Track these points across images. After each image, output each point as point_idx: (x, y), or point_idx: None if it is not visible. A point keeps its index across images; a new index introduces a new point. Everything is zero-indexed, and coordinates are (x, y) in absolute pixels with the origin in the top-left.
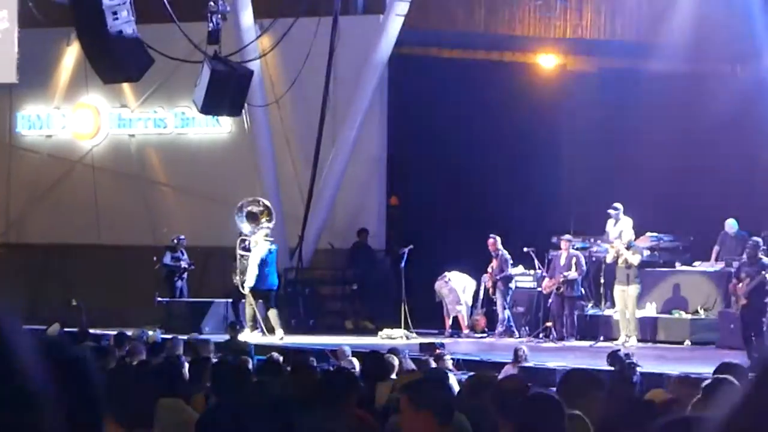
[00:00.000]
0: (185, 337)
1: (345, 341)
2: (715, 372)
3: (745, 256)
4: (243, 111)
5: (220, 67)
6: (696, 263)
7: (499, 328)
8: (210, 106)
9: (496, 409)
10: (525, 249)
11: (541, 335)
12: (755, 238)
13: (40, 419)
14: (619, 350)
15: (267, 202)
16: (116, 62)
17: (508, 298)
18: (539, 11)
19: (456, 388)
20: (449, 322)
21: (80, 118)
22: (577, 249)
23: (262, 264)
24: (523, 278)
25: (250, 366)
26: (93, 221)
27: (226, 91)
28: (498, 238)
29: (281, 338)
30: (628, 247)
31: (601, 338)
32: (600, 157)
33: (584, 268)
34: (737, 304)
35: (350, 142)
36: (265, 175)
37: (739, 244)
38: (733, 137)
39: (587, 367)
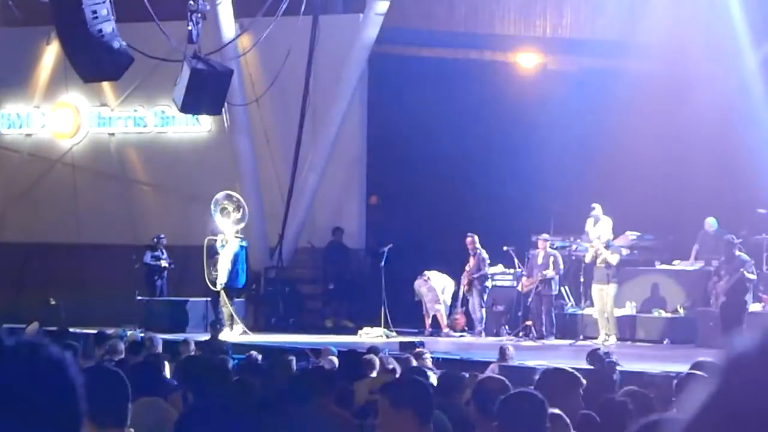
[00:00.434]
0: (168, 336)
1: (325, 340)
2: (690, 370)
3: (723, 254)
4: (223, 110)
5: (199, 66)
6: (675, 262)
7: (479, 327)
8: (190, 105)
9: (476, 409)
10: (505, 248)
11: (521, 334)
12: (728, 236)
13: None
14: (599, 349)
15: (241, 201)
16: (96, 61)
17: (485, 297)
18: (519, 10)
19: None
20: (429, 321)
21: (60, 117)
22: (556, 248)
23: (235, 261)
24: (502, 277)
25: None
26: (73, 220)
27: (206, 90)
28: (476, 237)
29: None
30: (606, 247)
31: (581, 337)
32: (580, 156)
33: (561, 267)
34: (717, 302)
35: (330, 141)
36: (245, 174)
37: (718, 242)
38: (713, 137)
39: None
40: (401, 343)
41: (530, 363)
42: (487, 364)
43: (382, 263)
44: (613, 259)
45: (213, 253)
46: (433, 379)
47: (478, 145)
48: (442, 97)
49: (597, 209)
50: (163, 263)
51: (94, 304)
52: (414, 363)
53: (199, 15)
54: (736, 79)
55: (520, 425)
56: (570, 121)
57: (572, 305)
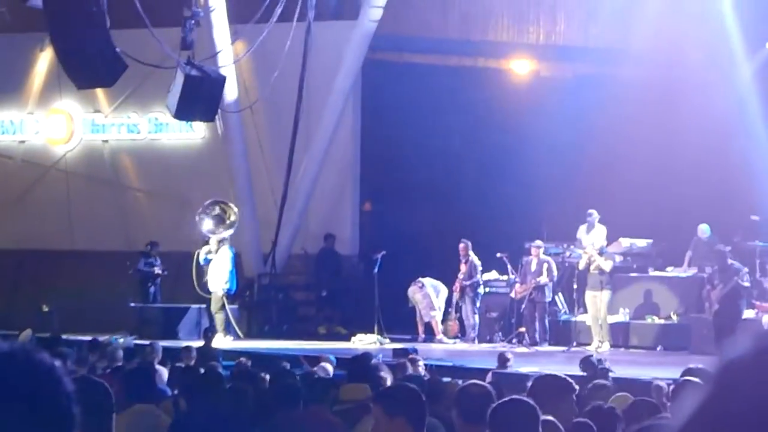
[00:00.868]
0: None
1: (318, 347)
2: (681, 377)
3: (716, 264)
4: (216, 116)
5: (193, 73)
6: (669, 269)
7: (471, 334)
8: (183, 112)
9: (459, 415)
10: (498, 254)
11: (514, 340)
12: (719, 247)
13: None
14: (592, 355)
15: (234, 208)
16: (89, 68)
17: (478, 303)
18: (513, 17)
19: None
20: (422, 327)
21: (53, 124)
22: (549, 255)
23: (233, 267)
24: (496, 284)
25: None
26: (66, 226)
27: (200, 97)
28: (469, 243)
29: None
30: (600, 254)
31: (574, 344)
32: (573, 163)
33: (555, 273)
34: (710, 309)
35: (324, 147)
36: (239, 181)
37: (711, 249)
38: (706, 143)
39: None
40: (394, 350)
41: (523, 369)
42: (480, 371)
43: (376, 270)
44: (607, 265)
45: (204, 262)
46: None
47: (471, 152)
48: (436, 104)
49: (594, 215)
50: (157, 270)
51: (88, 310)
52: (410, 369)
53: (193, 21)
54: (730, 86)
55: None
56: (563, 128)
57: (565, 312)
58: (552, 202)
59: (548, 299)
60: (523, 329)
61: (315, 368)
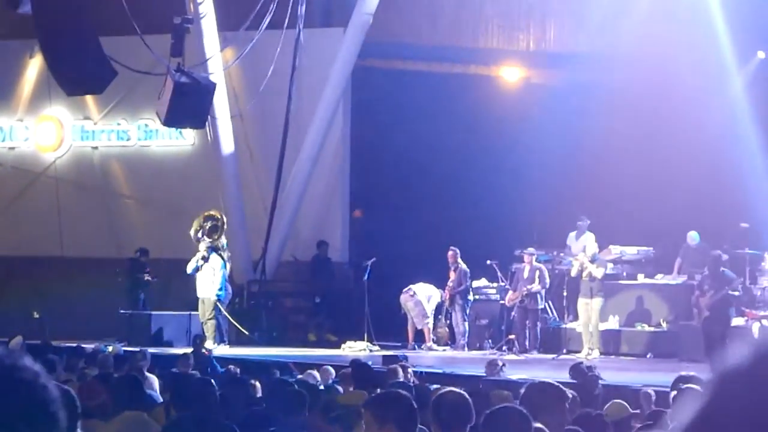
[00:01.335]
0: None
1: (308, 354)
2: (672, 384)
3: (707, 269)
4: (206, 123)
5: (183, 80)
6: (658, 276)
7: (461, 341)
8: (173, 119)
9: (436, 423)
10: (488, 261)
11: (504, 348)
12: (715, 252)
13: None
14: (582, 363)
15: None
16: (79, 74)
17: (468, 311)
18: (503, 24)
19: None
20: (411, 335)
21: (43, 130)
22: (540, 262)
23: (224, 273)
24: (486, 291)
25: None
26: (56, 233)
27: (190, 104)
28: (458, 251)
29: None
30: (592, 261)
31: (564, 351)
32: (563, 170)
33: (547, 281)
34: (700, 316)
35: (313, 154)
36: (229, 188)
37: (701, 256)
38: (696, 150)
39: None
40: (384, 357)
41: (513, 377)
42: (470, 378)
43: (366, 277)
44: (599, 272)
45: (193, 271)
46: None
47: (461, 159)
48: (426, 111)
49: (584, 222)
50: (146, 277)
51: (77, 317)
52: (401, 375)
53: (183, 29)
54: (720, 93)
55: None
56: (553, 135)
57: (554, 319)
58: (542, 209)
59: (540, 306)
60: (513, 336)
61: (302, 375)
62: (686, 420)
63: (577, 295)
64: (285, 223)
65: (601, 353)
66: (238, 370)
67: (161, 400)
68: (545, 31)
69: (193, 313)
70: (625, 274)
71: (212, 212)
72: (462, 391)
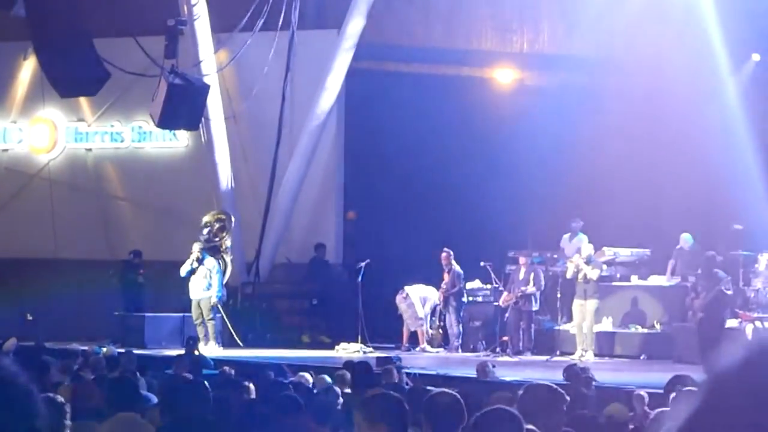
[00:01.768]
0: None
1: (301, 355)
2: (666, 385)
3: (700, 270)
4: (200, 125)
5: (177, 82)
6: (652, 277)
7: (455, 343)
8: (167, 120)
9: (428, 424)
10: (482, 263)
11: (497, 349)
12: (709, 253)
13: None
14: (576, 364)
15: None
16: (73, 76)
17: (462, 312)
18: (496, 26)
19: None
20: (407, 336)
21: (37, 132)
22: (534, 263)
23: (221, 275)
24: (479, 292)
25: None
26: (50, 235)
27: (183, 105)
28: (451, 252)
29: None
30: (587, 262)
31: (558, 353)
32: (557, 172)
33: (542, 282)
34: (694, 317)
35: (307, 156)
36: (222, 190)
37: (694, 258)
38: (690, 153)
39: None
40: (378, 359)
41: (507, 378)
42: (463, 379)
43: (359, 279)
44: (594, 274)
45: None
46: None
47: (455, 161)
48: (420, 113)
49: (577, 223)
50: (140, 278)
51: (71, 319)
52: (395, 376)
53: (177, 30)
54: (714, 95)
55: None
56: (547, 137)
57: (548, 320)
58: (535, 211)
59: (535, 308)
60: (506, 338)
61: (295, 377)
62: (681, 421)
63: (571, 297)
64: (279, 225)
65: (595, 355)
66: (233, 372)
67: (156, 401)
68: (539, 32)
69: (186, 314)
70: (618, 275)
71: (222, 215)
72: (455, 393)
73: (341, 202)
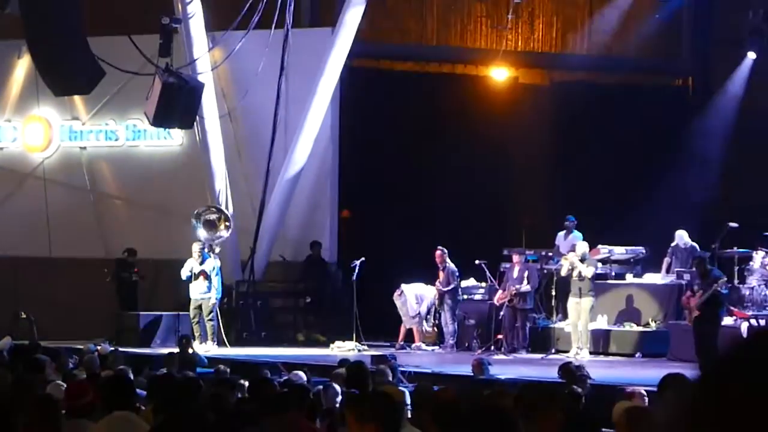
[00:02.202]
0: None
1: (296, 353)
2: (659, 383)
3: (695, 269)
4: (194, 123)
5: (171, 80)
6: (647, 275)
7: (450, 341)
8: (161, 119)
9: (434, 424)
10: (477, 261)
11: (492, 347)
12: (699, 254)
13: None
14: (571, 362)
15: (222, 209)
16: (67, 75)
17: (457, 311)
18: (491, 24)
19: (408, 400)
20: (403, 334)
21: (31, 131)
22: (528, 261)
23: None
24: (474, 291)
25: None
26: (44, 233)
27: (178, 104)
28: (445, 251)
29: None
30: (582, 260)
31: (553, 350)
32: (551, 170)
33: (537, 280)
34: (690, 316)
35: (302, 154)
36: (217, 188)
37: (689, 256)
38: (684, 150)
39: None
40: (373, 357)
41: (502, 377)
42: (458, 377)
43: (354, 277)
44: (588, 272)
45: (186, 278)
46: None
47: (449, 159)
48: (414, 111)
49: (572, 221)
50: (134, 277)
51: (66, 317)
52: (390, 375)
53: (171, 29)
54: (707, 94)
55: None
56: (541, 135)
57: (544, 318)
58: (530, 209)
59: (529, 306)
60: (501, 336)
61: (289, 375)
62: (675, 417)
63: (566, 295)
64: (274, 223)
65: (590, 353)
66: (228, 370)
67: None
68: (533, 31)
69: (181, 313)
70: (613, 273)
71: (214, 208)
72: (453, 391)
73: (336, 200)
